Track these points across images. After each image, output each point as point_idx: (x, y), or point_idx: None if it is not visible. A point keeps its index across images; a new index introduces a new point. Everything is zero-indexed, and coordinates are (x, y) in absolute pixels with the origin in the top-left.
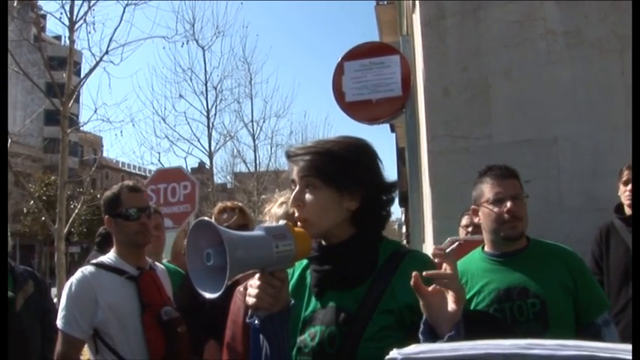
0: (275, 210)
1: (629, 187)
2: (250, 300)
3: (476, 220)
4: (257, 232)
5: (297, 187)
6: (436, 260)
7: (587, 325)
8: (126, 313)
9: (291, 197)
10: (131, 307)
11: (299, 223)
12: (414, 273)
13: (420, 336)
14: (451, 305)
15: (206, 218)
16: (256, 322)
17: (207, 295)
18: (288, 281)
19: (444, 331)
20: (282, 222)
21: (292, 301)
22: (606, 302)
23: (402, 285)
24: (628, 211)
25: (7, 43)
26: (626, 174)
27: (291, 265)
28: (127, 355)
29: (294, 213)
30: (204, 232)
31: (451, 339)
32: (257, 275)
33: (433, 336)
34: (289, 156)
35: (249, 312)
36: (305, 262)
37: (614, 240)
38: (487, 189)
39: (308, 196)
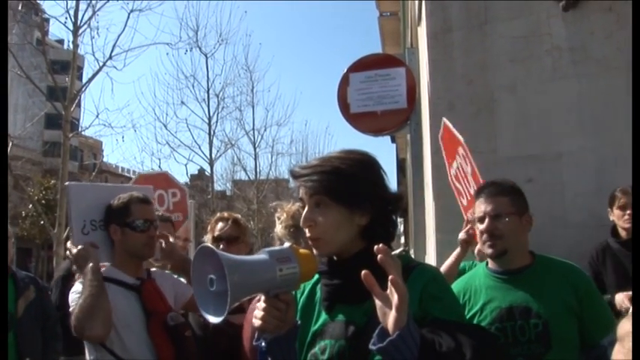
0: (290, 207)
1: (629, 211)
2: (256, 322)
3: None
4: (260, 255)
5: (307, 207)
6: (379, 257)
7: (592, 346)
8: (130, 322)
9: (302, 217)
10: (135, 317)
11: (310, 242)
12: (363, 271)
13: (374, 337)
14: (393, 311)
15: (209, 245)
16: (263, 344)
17: (211, 320)
18: (295, 303)
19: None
20: (286, 244)
21: (299, 322)
22: (613, 322)
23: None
24: (623, 233)
25: (7, 45)
26: (623, 199)
27: (296, 287)
28: None
29: None
30: (208, 258)
31: (392, 344)
32: (262, 298)
33: (382, 339)
34: (295, 176)
35: (256, 334)
36: (317, 276)
37: (610, 262)
38: (476, 207)
39: (319, 216)
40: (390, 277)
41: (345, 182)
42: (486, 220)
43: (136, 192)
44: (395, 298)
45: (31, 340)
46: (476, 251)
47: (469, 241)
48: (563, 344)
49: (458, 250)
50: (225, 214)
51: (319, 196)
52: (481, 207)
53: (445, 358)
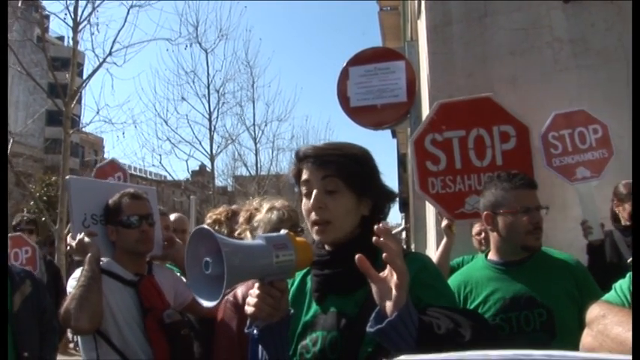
0: (267, 217)
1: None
2: (249, 309)
3: (488, 227)
4: (257, 241)
5: (317, 190)
6: (381, 239)
7: None
8: (126, 318)
9: (313, 199)
10: (131, 312)
11: (315, 227)
12: (357, 255)
13: (371, 321)
14: (393, 290)
15: (205, 227)
16: (255, 331)
17: (205, 304)
18: (288, 291)
19: (388, 317)
20: (283, 231)
21: (292, 311)
22: None
23: None
24: (623, 220)
25: (7, 43)
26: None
27: (291, 275)
28: (130, 356)
29: (289, 218)
30: (204, 240)
31: (390, 325)
32: (256, 285)
33: (379, 321)
34: (305, 156)
35: (248, 321)
36: None
37: (610, 251)
38: (512, 197)
39: (330, 199)
40: (384, 255)
41: (359, 168)
42: (536, 213)
43: (129, 189)
44: (395, 277)
45: (29, 335)
46: (475, 242)
47: (450, 225)
48: (567, 332)
49: (445, 239)
50: (234, 209)
51: (333, 179)
52: (523, 198)
53: (444, 339)
